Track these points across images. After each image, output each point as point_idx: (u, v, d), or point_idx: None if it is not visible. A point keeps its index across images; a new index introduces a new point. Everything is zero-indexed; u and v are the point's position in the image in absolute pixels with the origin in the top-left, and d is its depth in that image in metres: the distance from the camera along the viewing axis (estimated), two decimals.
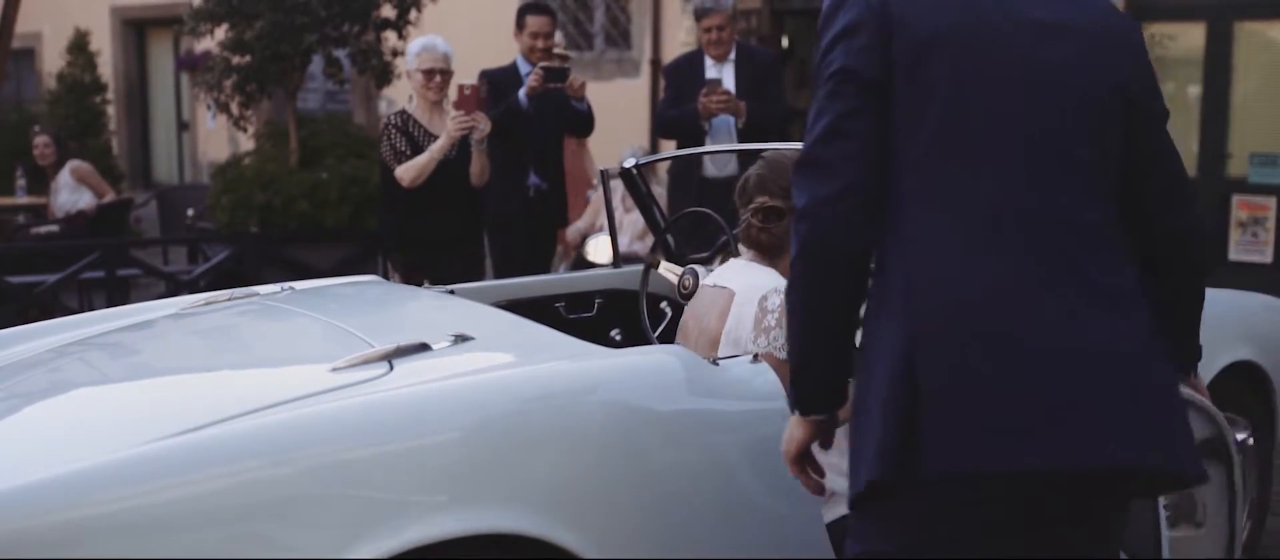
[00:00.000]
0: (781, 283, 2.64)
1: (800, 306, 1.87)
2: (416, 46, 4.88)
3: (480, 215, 5.07)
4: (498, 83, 5.37)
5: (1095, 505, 1.87)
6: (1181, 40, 8.68)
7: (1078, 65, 1.87)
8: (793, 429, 1.96)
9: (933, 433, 1.72)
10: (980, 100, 1.82)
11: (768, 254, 2.86)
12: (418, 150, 4.74)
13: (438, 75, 4.82)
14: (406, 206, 4.81)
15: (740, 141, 5.41)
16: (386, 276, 5.15)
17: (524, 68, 5.43)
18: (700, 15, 5.70)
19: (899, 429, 1.73)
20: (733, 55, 5.69)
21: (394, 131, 4.79)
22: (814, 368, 1.89)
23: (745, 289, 2.76)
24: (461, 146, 4.73)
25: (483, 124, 4.67)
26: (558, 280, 3.96)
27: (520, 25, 5.57)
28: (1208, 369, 3.31)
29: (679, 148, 5.68)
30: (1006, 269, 1.78)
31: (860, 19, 1.83)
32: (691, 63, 5.81)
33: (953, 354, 1.74)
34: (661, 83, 6.82)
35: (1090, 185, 1.87)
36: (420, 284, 3.93)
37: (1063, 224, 1.82)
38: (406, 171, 4.71)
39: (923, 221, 1.82)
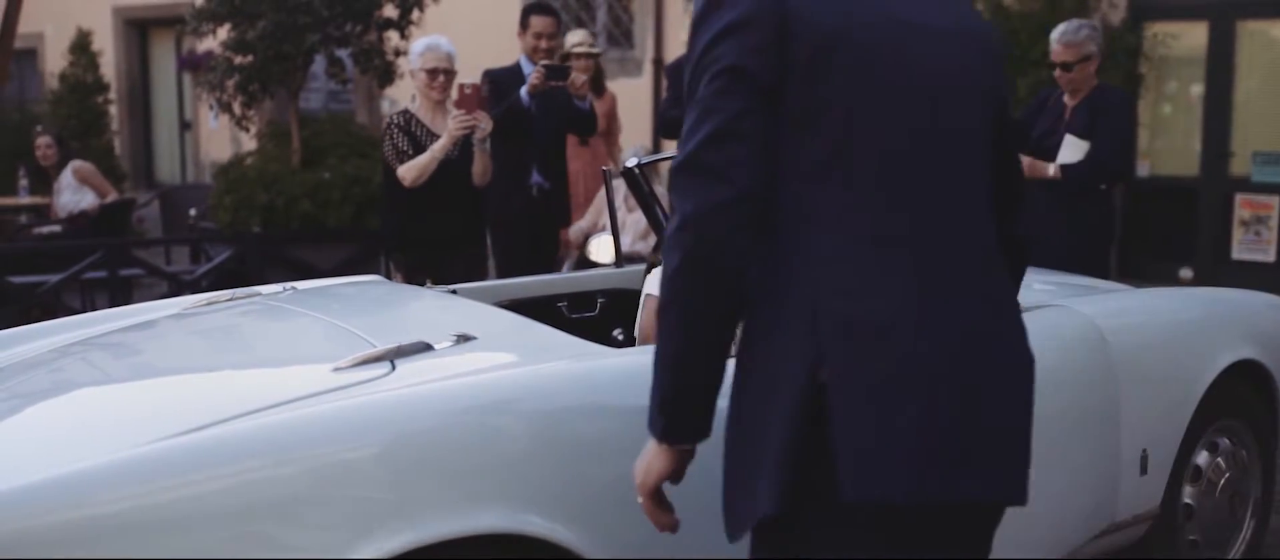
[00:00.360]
0: None
1: (680, 327, 1.69)
2: (420, 46, 4.88)
3: (482, 215, 5.06)
4: (501, 82, 5.37)
5: (985, 533, 1.83)
6: (1184, 39, 8.68)
7: (966, 70, 1.78)
8: (652, 459, 1.78)
9: (844, 462, 1.62)
10: (882, 109, 1.69)
11: None
12: (420, 150, 4.73)
13: (441, 75, 4.81)
14: (408, 206, 4.80)
15: None
16: (389, 276, 5.14)
17: (527, 68, 5.43)
18: None
19: (802, 458, 1.63)
20: None
21: (396, 131, 4.78)
22: (691, 394, 1.72)
23: None
24: (463, 146, 4.73)
25: (484, 123, 4.67)
26: (560, 280, 3.96)
27: (524, 25, 5.57)
28: (1211, 368, 3.32)
29: None
30: (915, 289, 1.68)
31: (753, 14, 1.66)
32: None
33: (865, 378, 1.64)
34: (664, 82, 6.82)
35: (984, 195, 1.81)
36: (422, 284, 3.93)
37: (964, 238, 1.75)
38: (408, 171, 4.71)
39: (823, 237, 1.69)
